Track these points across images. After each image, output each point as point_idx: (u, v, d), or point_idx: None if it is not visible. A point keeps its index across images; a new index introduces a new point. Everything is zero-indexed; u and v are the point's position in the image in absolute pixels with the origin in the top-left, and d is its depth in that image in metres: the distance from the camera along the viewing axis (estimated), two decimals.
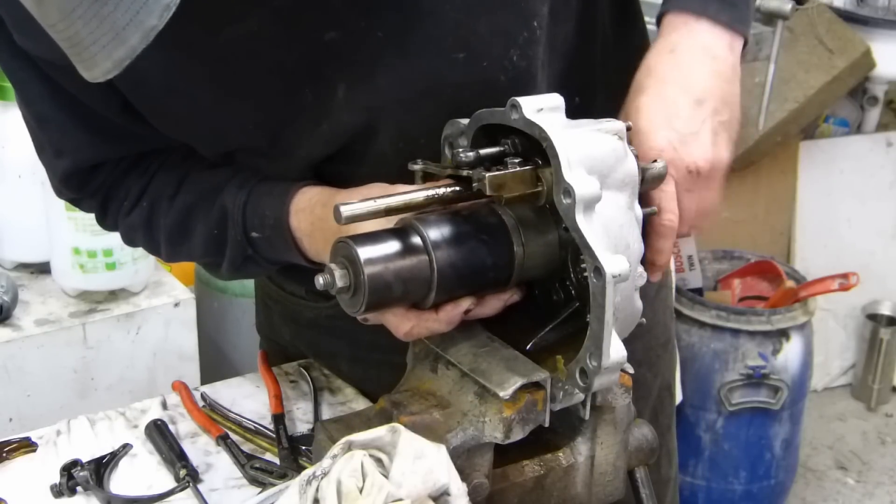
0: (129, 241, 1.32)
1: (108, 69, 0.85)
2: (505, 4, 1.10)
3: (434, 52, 1.09)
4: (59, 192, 1.29)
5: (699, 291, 2.93)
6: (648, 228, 1.09)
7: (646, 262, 1.03)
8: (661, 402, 1.50)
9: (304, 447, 1.29)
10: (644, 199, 1.07)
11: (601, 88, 1.26)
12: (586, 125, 0.97)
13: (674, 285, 1.55)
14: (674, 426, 1.58)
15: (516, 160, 0.98)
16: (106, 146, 1.23)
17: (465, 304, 1.00)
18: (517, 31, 1.11)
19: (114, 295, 2.21)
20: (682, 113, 1.09)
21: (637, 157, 1.00)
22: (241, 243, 1.19)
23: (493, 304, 1.03)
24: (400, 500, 0.90)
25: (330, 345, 1.41)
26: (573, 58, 1.22)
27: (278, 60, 1.09)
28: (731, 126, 1.11)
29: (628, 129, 1.00)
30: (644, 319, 1.02)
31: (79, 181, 1.26)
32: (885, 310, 3.50)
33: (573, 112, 0.99)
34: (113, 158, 1.24)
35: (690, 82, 1.10)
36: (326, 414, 1.38)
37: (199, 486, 1.23)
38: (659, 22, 1.18)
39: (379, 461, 0.93)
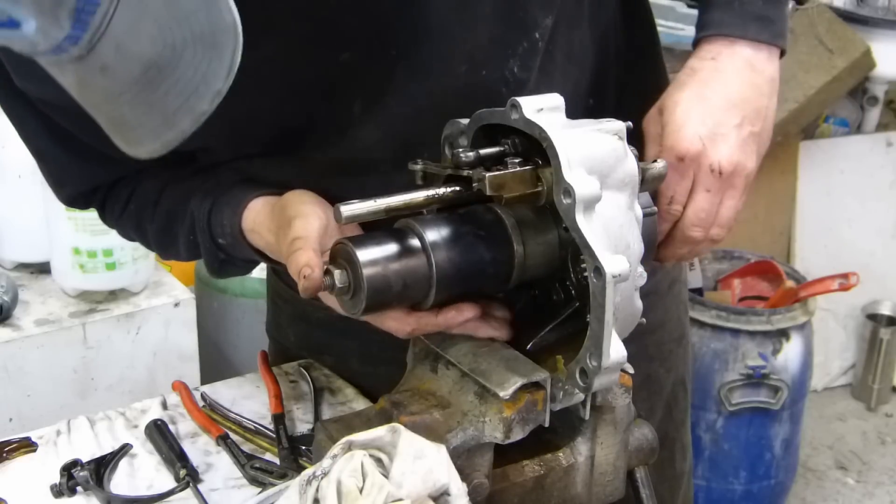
0: (127, 238, 1.35)
1: (155, 150, 0.85)
2: (504, 15, 1.11)
3: (442, 68, 1.10)
4: (69, 208, 1.34)
5: (699, 291, 2.94)
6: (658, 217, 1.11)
7: (647, 259, 1.03)
8: (674, 397, 1.51)
9: (304, 447, 1.29)
10: (656, 191, 1.09)
11: (613, 89, 1.28)
12: (586, 125, 0.97)
13: (687, 280, 1.56)
14: (688, 420, 1.59)
15: (516, 160, 0.98)
16: (104, 172, 1.25)
17: (469, 313, 1.00)
18: (516, 42, 1.12)
19: (114, 295, 2.22)
20: (717, 114, 1.12)
21: (638, 157, 1.00)
22: (211, 249, 1.21)
23: (486, 331, 1.04)
24: (400, 500, 0.90)
25: (340, 343, 1.41)
26: (588, 62, 1.24)
27: (293, 82, 1.10)
28: (761, 139, 1.15)
29: (628, 129, 1.00)
30: (644, 319, 1.02)
31: (83, 202, 1.30)
32: (885, 310, 3.50)
33: (587, 114, 1.00)
34: (111, 181, 1.27)
35: (729, 89, 1.14)
36: (326, 414, 1.38)
37: (199, 486, 1.23)
38: (695, 45, 1.20)
39: (379, 461, 0.93)
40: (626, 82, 1.29)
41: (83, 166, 1.22)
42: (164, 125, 0.82)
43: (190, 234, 1.21)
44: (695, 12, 1.22)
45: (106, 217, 1.32)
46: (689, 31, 1.24)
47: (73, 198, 1.29)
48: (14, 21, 0.73)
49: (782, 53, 1.20)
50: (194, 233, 1.21)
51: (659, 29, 1.37)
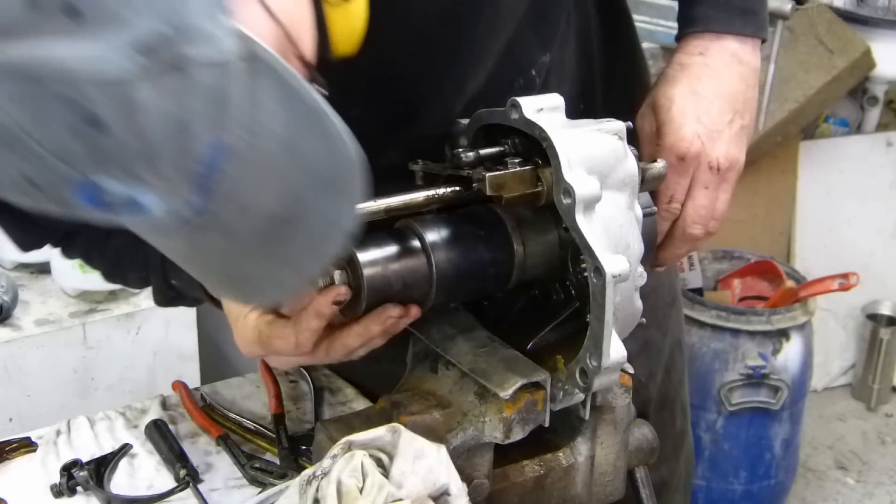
0: (69, 259, 1.34)
1: (278, 299, 0.82)
2: (504, 57, 1.12)
3: (441, 110, 1.10)
4: None
5: (699, 291, 2.93)
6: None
7: (647, 259, 1.04)
8: (672, 359, 1.53)
9: (304, 447, 1.29)
10: (654, 191, 1.10)
11: (600, 88, 1.29)
12: (586, 125, 0.98)
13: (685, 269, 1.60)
14: (686, 380, 1.61)
15: (516, 160, 0.98)
16: (64, 226, 1.22)
17: (394, 311, 0.97)
18: (513, 79, 1.14)
19: (114, 295, 2.21)
20: (712, 111, 1.14)
21: (638, 157, 1.00)
22: (163, 289, 1.21)
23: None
24: (400, 500, 0.90)
25: None
26: (575, 71, 1.25)
27: None
28: (748, 130, 1.17)
29: (628, 129, 1.00)
30: (644, 319, 1.02)
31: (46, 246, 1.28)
32: (885, 310, 3.49)
33: (578, 117, 1.00)
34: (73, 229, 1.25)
35: (720, 84, 1.15)
36: (326, 414, 1.38)
37: (199, 486, 1.23)
38: (679, 39, 1.22)
39: (379, 461, 0.93)
40: (609, 79, 1.30)
41: (31, 230, 1.21)
42: (290, 274, 0.80)
43: (142, 270, 1.21)
44: None
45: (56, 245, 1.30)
46: None
47: (34, 250, 1.28)
48: (137, 203, 0.69)
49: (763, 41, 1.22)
50: (146, 270, 1.20)
51: (658, 29, 1.38)
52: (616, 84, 1.30)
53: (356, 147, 0.76)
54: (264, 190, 0.73)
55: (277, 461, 1.28)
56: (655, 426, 1.13)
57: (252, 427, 1.34)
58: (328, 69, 1.02)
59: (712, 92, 1.14)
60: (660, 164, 1.07)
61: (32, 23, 0.62)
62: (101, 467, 1.24)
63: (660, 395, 1.48)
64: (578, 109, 1.24)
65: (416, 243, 0.97)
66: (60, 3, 0.62)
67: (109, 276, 1.28)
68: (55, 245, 1.29)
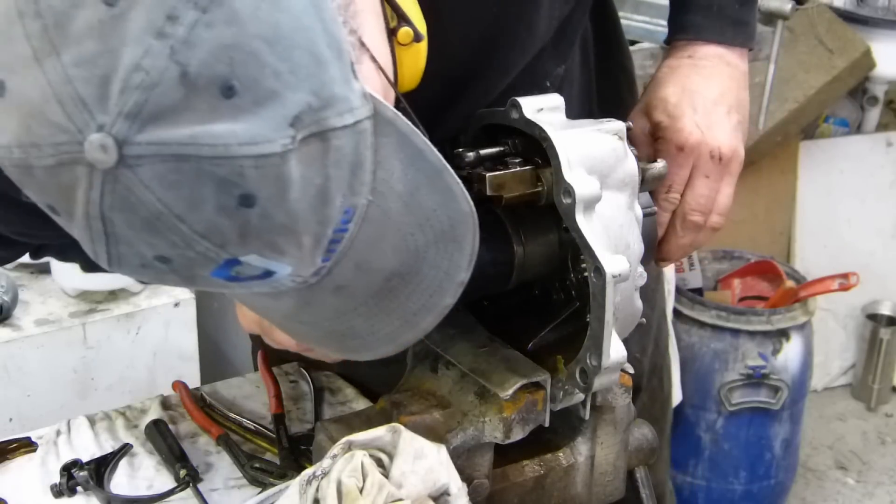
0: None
1: (387, 352, 0.82)
2: (523, 71, 1.12)
3: (452, 116, 1.10)
4: None
5: (699, 291, 2.93)
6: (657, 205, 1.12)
7: (647, 259, 1.04)
8: (660, 330, 1.55)
9: (304, 447, 1.29)
10: (654, 190, 1.10)
11: (595, 87, 1.31)
12: (586, 125, 0.98)
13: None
14: (671, 345, 1.64)
15: (516, 160, 0.98)
16: (39, 240, 1.21)
17: None
18: (527, 90, 1.13)
19: (114, 295, 2.21)
20: (707, 103, 1.15)
21: (637, 157, 1.00)
22: None
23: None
24: (400, 500, 0.90)
25: None
26: (581, 75, 1.27)
27: None
28: (744, 127, 1.18)
29: (628, 129, 1.00)
30: (644, 319, 1.02)
31: None
32: (885, 310, 3.49)
33: (585, 117, 1.01)
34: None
35: (710, 81, 1.16)
36: (326, 414, 1.38)
37: (199, 486, 1.23)
38: (668, 43, 1.23)
39: (379, 461, 0.93)
40: (601, 77, 1.31)
41: (7, 247, 1.18)
42: (402, 328, 0.80)
43: None
44: None
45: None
46: None
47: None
48: (269, 273, 0.69)
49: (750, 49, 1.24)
50: None
51: (659, 28, 1.39)
52: (608, 82, 1.32)
53: (471, 201, 0.76)
54: (382, 246, 0.73)
55: (277, 461, 1.28)
56: (648, 393, 1.13)
57: (252, 427, 1.34)
58: None
59: (703, 86, 1.16)
60: (660, 164, 1.07)
61: (189, 105, 0.61)
62: (101, 467, 1.24)
63: (651, 364, 1.51)
64: (586, 111, 1.26)
65: None
66: (220, 84, 0.62)
67: (90, 267, 1.26)
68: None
